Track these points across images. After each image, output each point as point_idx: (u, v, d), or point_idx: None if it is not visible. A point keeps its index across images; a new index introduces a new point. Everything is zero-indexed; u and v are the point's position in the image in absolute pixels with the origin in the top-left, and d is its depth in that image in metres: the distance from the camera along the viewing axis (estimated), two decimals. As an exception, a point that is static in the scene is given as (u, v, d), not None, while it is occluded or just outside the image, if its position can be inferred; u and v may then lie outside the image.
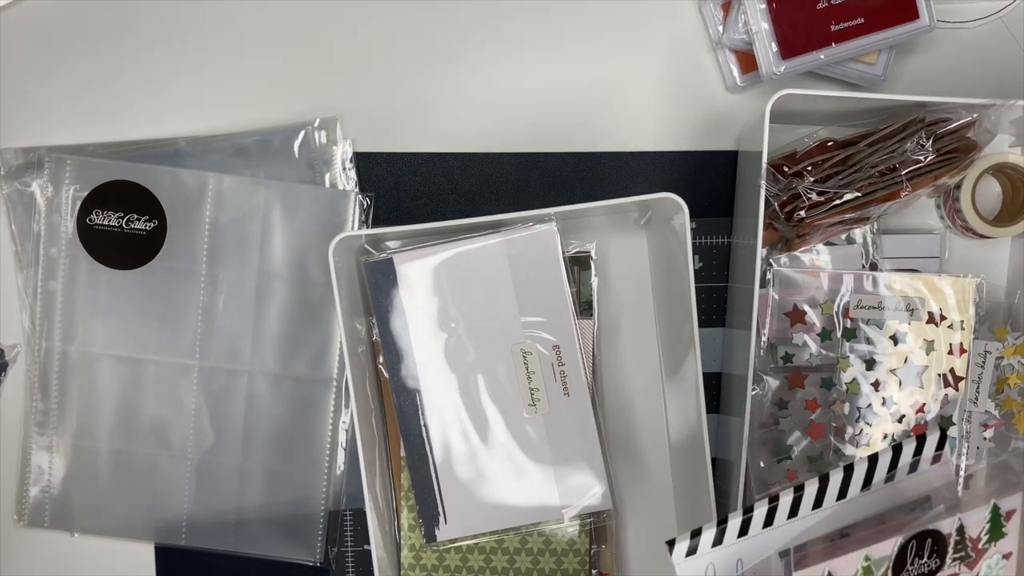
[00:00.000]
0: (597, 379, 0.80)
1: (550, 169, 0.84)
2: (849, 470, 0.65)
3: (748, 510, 0.64)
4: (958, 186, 0.81)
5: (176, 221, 0.81)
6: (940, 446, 0.67)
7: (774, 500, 0.64)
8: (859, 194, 0.75)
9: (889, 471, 0.66)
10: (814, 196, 0.75)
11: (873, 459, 0.65)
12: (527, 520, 0.78)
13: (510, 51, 0.84)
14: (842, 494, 0.65)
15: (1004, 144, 0.83)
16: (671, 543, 0.63)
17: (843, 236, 0.82)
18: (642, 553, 0.84)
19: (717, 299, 0.85)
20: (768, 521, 0.64)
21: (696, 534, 0.63)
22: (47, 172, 0.81)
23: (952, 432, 0.80)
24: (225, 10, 0.83)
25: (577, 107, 0.84)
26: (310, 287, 0.82)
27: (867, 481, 0.65)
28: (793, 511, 0.64)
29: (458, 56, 0.84)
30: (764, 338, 0.80)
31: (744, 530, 0.64)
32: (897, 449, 0.65)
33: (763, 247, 0.77)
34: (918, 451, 0.66)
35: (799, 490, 0.65)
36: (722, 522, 0.64)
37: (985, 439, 0.81)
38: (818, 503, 0.65)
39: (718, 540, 0.63)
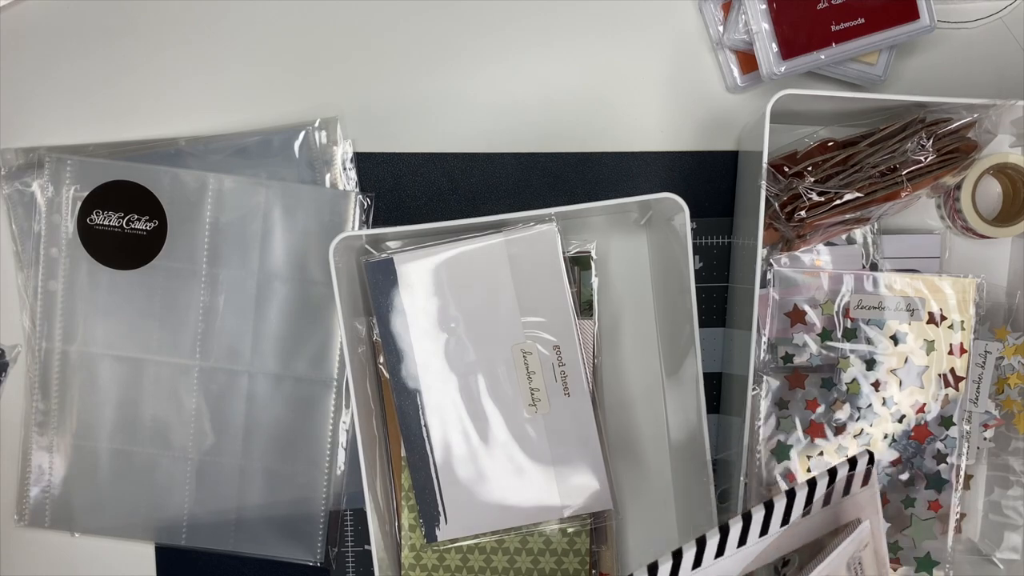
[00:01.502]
0: (597, 379, 0.80)
1: (551, 169, 0.84)
2: (791, 495, 0.65)
3: (700, 541, 0.63)
4: (958, 186, 0.81)
5: (176, 221, 0.81)
6: (869, 470, 0.67)
7: (724, 529, 0.64)
8: (859, 194, 0.75)
9: (827, 491, 0.66)
10: (814, 196, 0.75)
11: (812, 483, 0.65)
12: (527, 520, 0.78)
13: (510, 51, 0.84)
14: (786, 520, 0.65)
15: (1004, 144, 0.83)
16: None
17: (843, 236, 0.82)
18: (642, 553, 0.84)
19: (717, 299, 0.85)
20: (720, 551, 0.64)
21: (653, 569, 0.62)
22: (47, 172, 0.81)
23: (952, 432, 0.80)
24: (225, 10, 0.83)
25: (577, 107, 0.84)
26: (310, 287, 0.82)
27: (808, 503, 0.65)
28: (743, 539, 0.64)
29: (458, 56, 0.84)
30: (764, 338, 0.80)
31: (698, 562, 0.63)
32: (832, 473, 0.66)
33: (763, 247, 0.77)
34: (851, 471, 0.66)
35: (747, 518, 0.64)
36: (677, 554, 0.62)
37: (985, 439, 0.81)
38: (764, 530, 0.64)
39: (674, 572, 0.62)
